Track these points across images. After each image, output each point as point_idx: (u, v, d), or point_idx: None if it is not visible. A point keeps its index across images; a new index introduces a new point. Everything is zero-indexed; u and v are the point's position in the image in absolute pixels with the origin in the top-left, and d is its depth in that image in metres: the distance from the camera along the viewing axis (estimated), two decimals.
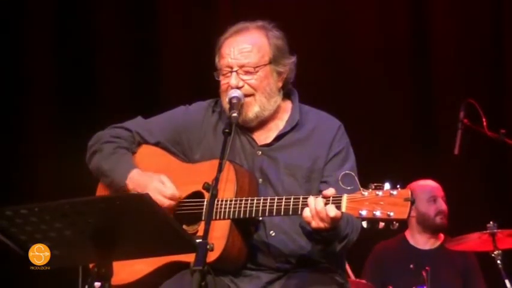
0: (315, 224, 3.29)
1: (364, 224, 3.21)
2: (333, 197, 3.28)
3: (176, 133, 3.78)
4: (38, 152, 6.64)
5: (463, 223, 6.11)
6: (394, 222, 3.17)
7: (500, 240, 5.51)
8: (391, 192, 3.18)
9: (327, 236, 3.38)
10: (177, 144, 3.78)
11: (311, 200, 3.30)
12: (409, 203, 3.16)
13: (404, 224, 6.16)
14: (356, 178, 3.29)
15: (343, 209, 3.24)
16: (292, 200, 3.38)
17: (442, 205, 6.12)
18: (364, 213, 3.18)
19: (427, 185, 6.12)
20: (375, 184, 3.21)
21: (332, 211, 3.25)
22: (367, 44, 6.77)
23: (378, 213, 3.16)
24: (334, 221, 3.28)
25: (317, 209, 3.27)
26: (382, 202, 3.17)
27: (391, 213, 3.15)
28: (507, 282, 5.50)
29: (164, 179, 3.61)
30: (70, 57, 6.74)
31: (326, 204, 3.27)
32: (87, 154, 3.84)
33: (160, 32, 6.88)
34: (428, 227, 6.22)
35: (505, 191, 6.57)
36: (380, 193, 3.19)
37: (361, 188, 3.23)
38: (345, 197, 3.25)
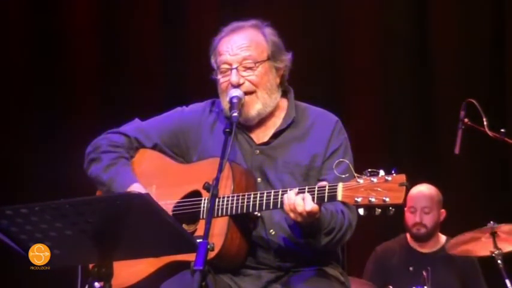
0: (293, 215, 3.31)
1: (361, 211, 3.21)
2: (328, 186, 3.28)
3: (174, 135, 3.78)
4: (38, 152, 6.63)
5: (463, 223, 6.11)
6: (390, 208, 3.17)
7: (500, 240, 5.51)
8: (386, 178, 3.18)
9: (309, 227, 3.38)
10: (175, 146, 3.77)
11: (288, 192, 3.32)
12: (404, 187, 3.15)
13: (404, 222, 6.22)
14: (351, 166, 3.28)
15: (339, 198, 3.24)
16: (287, 192, 3.37)
17: (418, 217, 6.14)
18: (359, 200, 3.18)
19: (413, 194, 6.13)
20: (370, 171, 3.21)
21: (300, 205, 3.26)
22: (368, 42, 6.77)
23: (373, 200, 3.16)
24: (310, 213, 3.28)
25: (290, 201, 3.29)
26: (377, 188, 3.17)
27: (387, 199, 3.15)
28: (508, 282, 5.50)
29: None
30: (70, 56, 6.74)
31: (323, 196, 3.27)
32: (84, 161, 3.82)
33: (160, 32, 6.88)
34: (409, 234, 6.26)
35: (506, 190, 6.58)
36: (375, 179, 3.19)
37: (356, 175, 3.22)
38: (340, 185, 3.25)
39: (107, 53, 6.85)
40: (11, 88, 6.72)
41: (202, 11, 6.70)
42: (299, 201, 3.29)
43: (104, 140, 3.82)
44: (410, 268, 6.05)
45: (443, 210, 6.21)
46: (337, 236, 3.47)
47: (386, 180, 3.17)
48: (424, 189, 6.18)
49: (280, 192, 3.39)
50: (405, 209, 6.15)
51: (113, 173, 3.70)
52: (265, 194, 3.42)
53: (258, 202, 3.42)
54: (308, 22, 6.75)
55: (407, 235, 6.31)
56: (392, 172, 3.19)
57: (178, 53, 6.77)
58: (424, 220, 6.14)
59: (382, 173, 3.20)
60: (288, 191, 3.34)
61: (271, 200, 3.40)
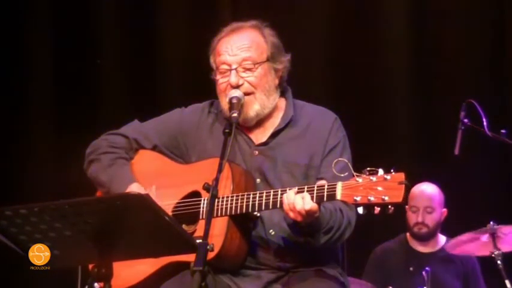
0: (293, 214, 3.31)
1: (360, 210, 3.21)
2: (328, 185, 3.28)
3: (172, 136, 3.78)
4: (38, 152, 6.64)
5: (463, 223, 6.11)
6: (390, 207, 3.17)
7: (500, 240, 5.51)
8: (385, 176, 3.18)
9: (305, 226, 3.38)
10: (174, 148, 3.78)
11: (288, 192, 3.32)
12: (403, 186, 3.15)
13: (405, 224, 6.22)
14: (350, 165, 3.28)
15: (339, 197, 3.25)
16: (287, 191, 3.36)
17: (420, 217, 6.13)
18: (358, 199, 3.19)
19: (415, 193, 6.13)
20: (369, 169, 3.21)
21: (299, 204, 3.27)
22: (367, 42, 6.77)
23: (372, 198, 3.16)
24: (309, 212, 3.29)
25: (289, 200, 3.29)
26: (376, 187, 3.17)
27: (386, 198, 3.15)
28: (507, 282, 5.50)
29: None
30: (70, 58, 6.74)
31: (321, 195, 3.28)
32: (84, 162, 3.83)
33: (160, 32, 6.88)
34: (410, 234, 6.26)
35: (505, 191, 6.57)
36: (374, 178, 3.19)
37: (355, 174, 3.23)
38: (339, 185, 3.25)
39: (107, 53, 6.86)
40: (11, 88, 6.72)
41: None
42: (298, 200, 3.29)
43: (104, 141, 3.83)
44: (411, 268, 6.06)
45: (444, 209, 6.21)
46: (336, 235, 3.48)
47: (385, 179, 3.18)
48: (426, 188, 6.18)
49: (279, 192, 3.39)
50: (407, 207, 6.15)
51: (111, 174, 3.71)
52: (264, 194, 3.42)
53: (257, 202, 3.42)
54: (307, 21, 6.75)
55: (407, 235, 6.31)
56: (392, 171, 3.20)
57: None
58: (426, 220, 6.14)
59: (381, 171, 3.20)
60: (287, 191, 3.35)
61: (271, 200, 3.40)
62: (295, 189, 3.34)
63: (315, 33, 6.76)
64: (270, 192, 3.42)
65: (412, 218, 6.17)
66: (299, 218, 3.31)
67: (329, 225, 3.44)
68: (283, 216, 3.48)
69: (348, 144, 3.69)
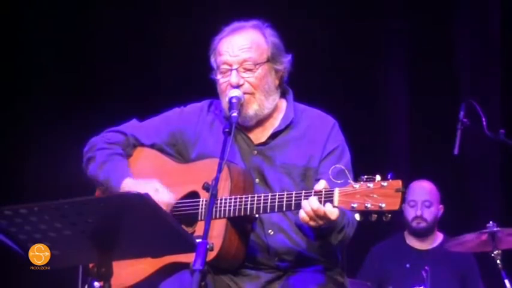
0: (313, 223, 3.29)
1: (357, 216, 3.21)
2: (325, 191, 3.28)
3: (171, 135, 3.78)
4: (37, 152, 6.64)
5: (463, 223, 6.11)
6: (387, 214, 3.17)
7: (499, 240, 5.51)
8: (382, 183, 3.18)
9: (325, 229, 3.38)
10: (173, 146, 3.78)
11: (304, 202, 3.29)
12: (400, 193, 3.15)
13: (402, 222, 6.21)
14: (347, 172, 3.28)
15: (336, 203, 3.24)
16: (285, 195, 3.37)
17: (418, 211, 6.13)
18: (355, 205, 3.18)
19: (413, 188, 6.13)
20: (366, 176, 3.21)
21: (330, 209, 3.24)
22: (365, 43, 6.77)
23: (369, 205, 3.16)
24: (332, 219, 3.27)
25: (313, 208, 3.27)
26: (373, 194, 3.17)
27: (383, 205, 3.15)
28: (507, 282, 5.50)
29: (158, 186, 3.59)
30: (69, 57, 6.74)
31: (320, 200, 3.26)
32: (83, 161, 3.83)
33: (159, 32, 6.89)
34: (408, 229, 6.25)
35: (505, 191, 6.57)
36: (371, 185, 3.19)
37: (352, 182, 3.22)
38: (336, 191, 3.25)
39: (107, 53, 6.87)
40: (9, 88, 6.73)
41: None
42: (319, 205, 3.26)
43: (100, 138, 3.84)
44: (407, 265, 6.06)
45: (441, 206, 6.22)
46: (345, 235, 3.47)
47: (382, 186, 3.17)
48: (424, 183, 6.20)
49: (277, 196, 3.39)
50: (405, 204, 6.13)
51: (107, 172, 3.70)
52: (262, 197, 3.42)
53: (255, 205, 3.42)
54: (307, 22, 6.76)
55: (405, 233, 6.31)
56: (389, 177, 3.19)
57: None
58: (425, 214, 6.15)
59: (378, 178, 3.19)
60: (303, 202, 3.30)
61: (269, 204, 3.39)
62: (315, 197, 3.28)
63: (314, 36, 6.76)
64: (267, 195, 3.41)
65: (411, 212, 6.17)
66: (322, 222, 3.29)
67: (342, 223, 3.44)
68: (281, 216, 3.50)
69: (347, 149, 3.69)
